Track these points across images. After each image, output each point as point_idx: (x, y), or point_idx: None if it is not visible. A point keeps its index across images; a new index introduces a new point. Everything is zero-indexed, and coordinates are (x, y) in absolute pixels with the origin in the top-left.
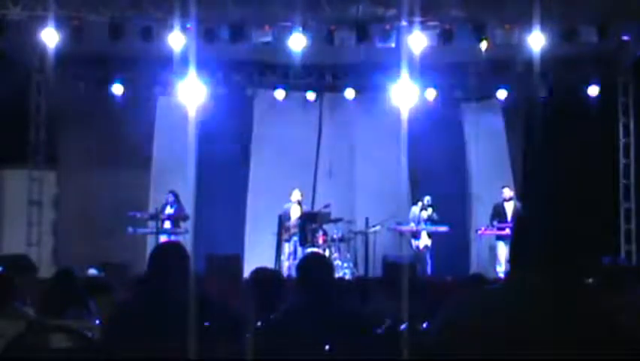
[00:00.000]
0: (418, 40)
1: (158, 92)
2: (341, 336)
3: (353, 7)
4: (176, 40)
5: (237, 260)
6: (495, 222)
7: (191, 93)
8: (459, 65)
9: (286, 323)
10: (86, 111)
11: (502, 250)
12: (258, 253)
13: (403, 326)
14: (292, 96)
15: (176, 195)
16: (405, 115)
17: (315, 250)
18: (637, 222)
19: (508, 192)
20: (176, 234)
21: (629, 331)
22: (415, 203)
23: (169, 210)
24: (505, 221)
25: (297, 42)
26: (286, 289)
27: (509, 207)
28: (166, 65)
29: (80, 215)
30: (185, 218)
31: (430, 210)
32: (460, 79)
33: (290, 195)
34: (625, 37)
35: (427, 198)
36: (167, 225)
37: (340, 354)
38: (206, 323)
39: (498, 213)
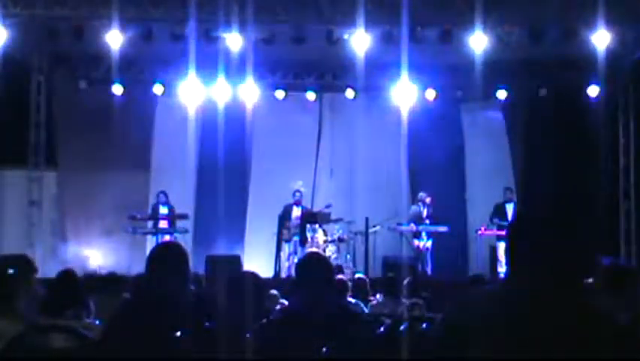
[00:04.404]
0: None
1: (158, 92)
2: (340, 336)
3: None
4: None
5: (237, 261)
6: (495, 221)
7: (191, 93)
8: (459, 65)
9: (286, 322)
10: (86, 111)
11: (504, 250)
12: (258, 253)
13: (402, 326)
14: (292, 96)
15: (166, 195)
16: (405, 115)
17: (315, 250)
18: (637, 222)
19: (509, 193)
20: (175, 233)
21: (629, 331)
22: (415, 203)
23: (163, 210)
24: (506, 221)
25: (298, 41)
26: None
27: (510, 208)
28: (166, 65)
29: (80, 215)
30: (181, 217)
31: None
32: (460, 79)
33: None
34: (625, 38)
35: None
36: (164, 224)
37: (340, 354)
38: (206, 323)
39: (499, 212)
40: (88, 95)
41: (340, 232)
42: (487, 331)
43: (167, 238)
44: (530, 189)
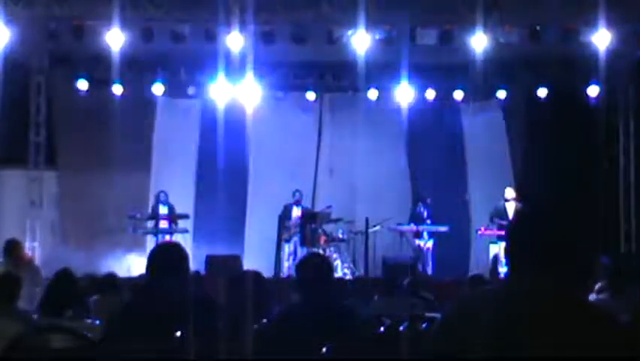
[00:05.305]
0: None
1: (158, 92)
2: (340, 336)
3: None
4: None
5: (237, 261)
6: (496, 220)
7: (191, 93)
8: (459, 65)
9: (285, 322)
10: (86, 111)
11: (504, 250)
12: (258, 253)
13: (402, 326)
14: (292, 96)
15: (167, 195)
16: (405, 115)
17: (315, 250)
18: (637, 222)
19: (510, 193)
20: (174, 233)
21: (629, 331)
22: (415, 203)
23: (163, 210)
24: (507, 221)
25: (298, 41)
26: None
27: (511, 207)
28: (166, 65)
29: (80, 215)
30: (181, 217)
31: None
32: (459, 79)
33: (292, 195)
34: (625, 38)
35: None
36: (164, 224)
37: (339, 354)
38: (206, 323)
39: (499, 213)
40: (88, 95)
41: (340, 232)
42: (486, 331)
43: (167, 238)
44: (530, 188)
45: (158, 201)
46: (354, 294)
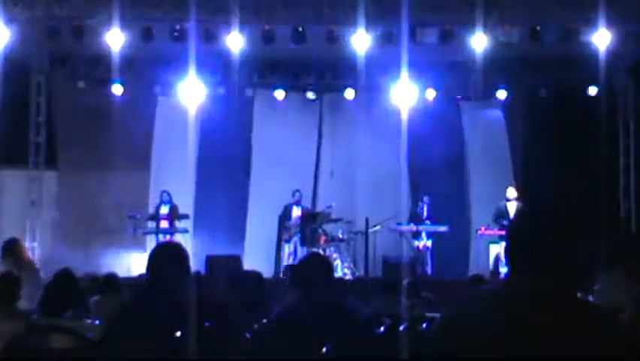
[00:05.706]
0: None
1: (158, 92)
2: (340, 336)
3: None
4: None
5: (237, 261)
6: (499, 221)
7: (191, 93)
8: (459, 64)
9: (285, 322)
10: (86, 111)
11: (504, 250)
12: (258, 253)
13: (402, 326)
14: (292, 96)
15: (170, 195)
16: (405, 115)
17: (315, 250)
18: (637, 221)
19: (512, 192)
20: (175, 233)
21: (629, 331)
22: (415, 203)
23: (164, 210)
24: (508, 221)
25: (298, 41)
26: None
27: (512, 207)
28: (166, 65)
29: (80, 215)
30: (182, 217)
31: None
32: (460, 79)
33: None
34: (625, 38)
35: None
36: (164, 224)
37: (339, 354)
38: (206, 323)
39: (501, 212)
40: (88, 95)
41: (340, 232)
42: (486, 331)
43: (167, 237)
44: (530, 188)
45: (161, 201)
46: (354, 294)
